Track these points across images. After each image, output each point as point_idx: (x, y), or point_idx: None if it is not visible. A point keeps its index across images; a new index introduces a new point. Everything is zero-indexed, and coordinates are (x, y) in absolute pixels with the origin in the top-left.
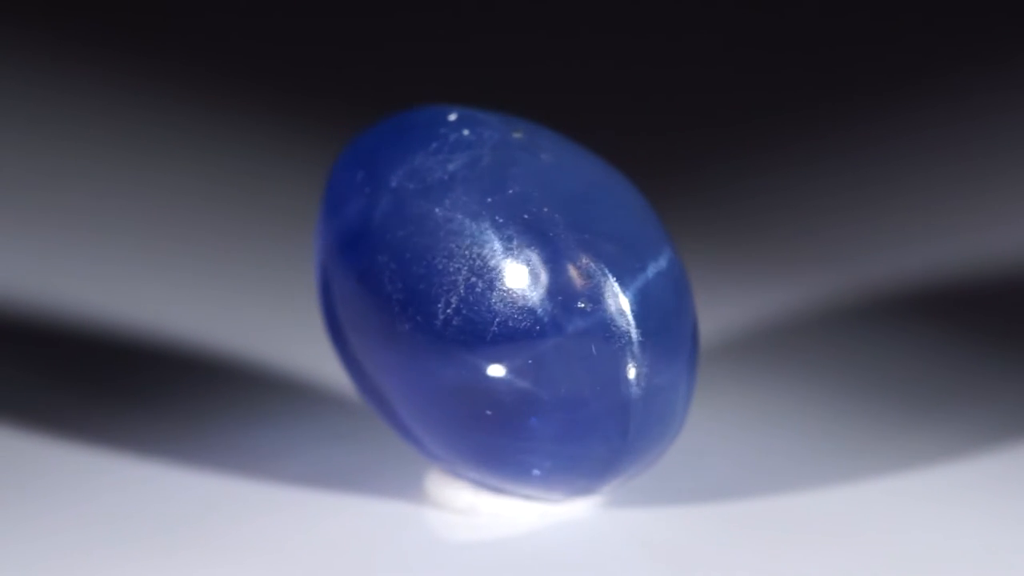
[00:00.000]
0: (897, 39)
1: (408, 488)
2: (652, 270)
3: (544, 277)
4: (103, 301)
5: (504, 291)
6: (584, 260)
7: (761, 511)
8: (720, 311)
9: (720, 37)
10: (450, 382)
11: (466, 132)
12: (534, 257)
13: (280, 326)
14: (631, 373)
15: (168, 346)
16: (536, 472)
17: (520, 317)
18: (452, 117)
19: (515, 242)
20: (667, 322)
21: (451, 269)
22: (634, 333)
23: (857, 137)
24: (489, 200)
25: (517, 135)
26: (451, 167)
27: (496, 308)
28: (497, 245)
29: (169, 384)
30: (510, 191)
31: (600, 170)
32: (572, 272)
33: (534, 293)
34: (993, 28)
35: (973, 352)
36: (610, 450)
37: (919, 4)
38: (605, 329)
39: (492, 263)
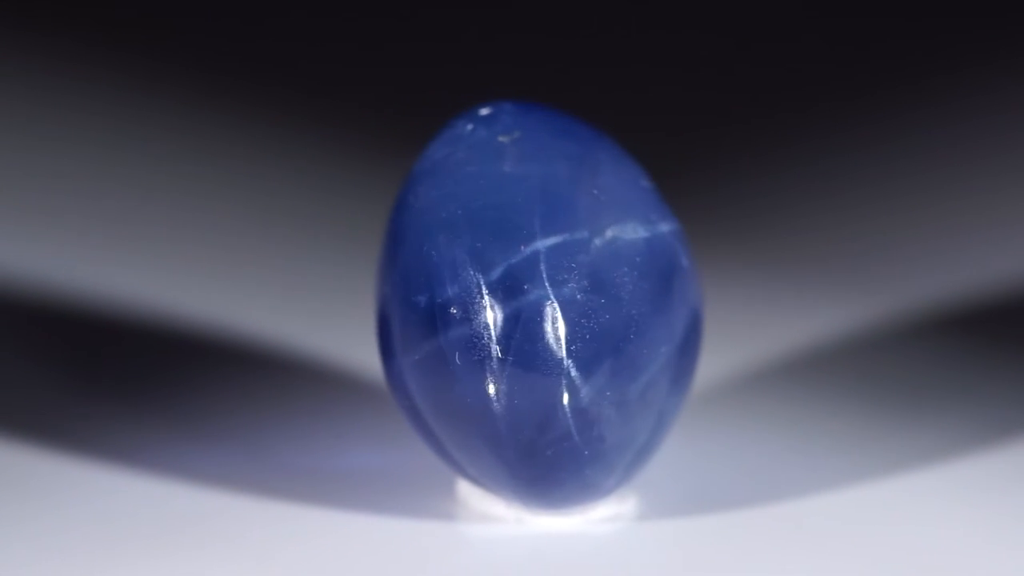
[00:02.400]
0: (933, 37)
1: (430, 495)
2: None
3: (437, 278)
4: (159, 296)
5: (410, 286)
6: (469, 269)
7: (760, 517)
8: (727, 314)
9: (748, 38)
10: (388, 373)
11: (469, 127)
12: (432, 256)
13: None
14: (491, 389)
15: (201, 345)
16: (468, 478)
17: (415, 318)
18: (483, 112)
19: (433, 239)
20: (604, 337)
21: (399, 256)
22: (497, 348)
23: (865, 142)
24: (432, 193)
25: (503, 139)
26: (436, 156)
27: (405, 302)
28: (418, 242)
29: (186, 383)
30: (446, 189)
31: (582, 189)
32: (458, 277)
33: (429, 293)
34: None
35: (971, 353)
36: (510, 464)
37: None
38: (468, 341)
39: (416, 259)
